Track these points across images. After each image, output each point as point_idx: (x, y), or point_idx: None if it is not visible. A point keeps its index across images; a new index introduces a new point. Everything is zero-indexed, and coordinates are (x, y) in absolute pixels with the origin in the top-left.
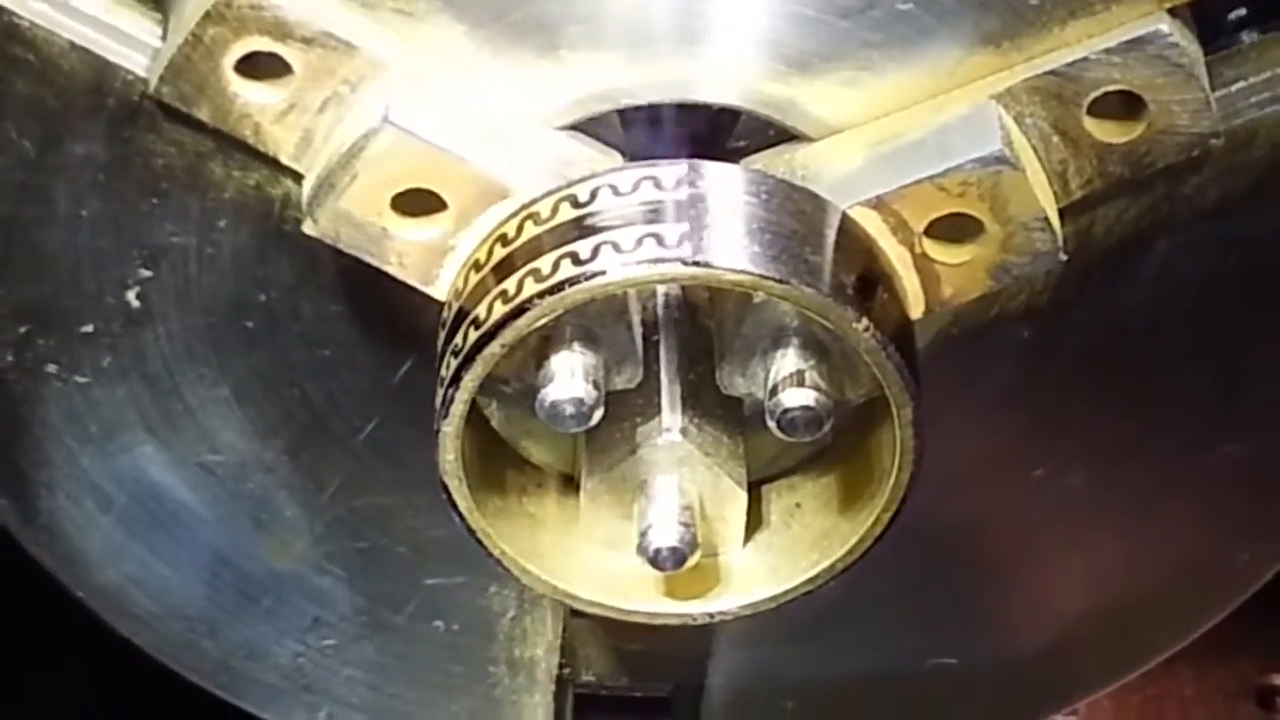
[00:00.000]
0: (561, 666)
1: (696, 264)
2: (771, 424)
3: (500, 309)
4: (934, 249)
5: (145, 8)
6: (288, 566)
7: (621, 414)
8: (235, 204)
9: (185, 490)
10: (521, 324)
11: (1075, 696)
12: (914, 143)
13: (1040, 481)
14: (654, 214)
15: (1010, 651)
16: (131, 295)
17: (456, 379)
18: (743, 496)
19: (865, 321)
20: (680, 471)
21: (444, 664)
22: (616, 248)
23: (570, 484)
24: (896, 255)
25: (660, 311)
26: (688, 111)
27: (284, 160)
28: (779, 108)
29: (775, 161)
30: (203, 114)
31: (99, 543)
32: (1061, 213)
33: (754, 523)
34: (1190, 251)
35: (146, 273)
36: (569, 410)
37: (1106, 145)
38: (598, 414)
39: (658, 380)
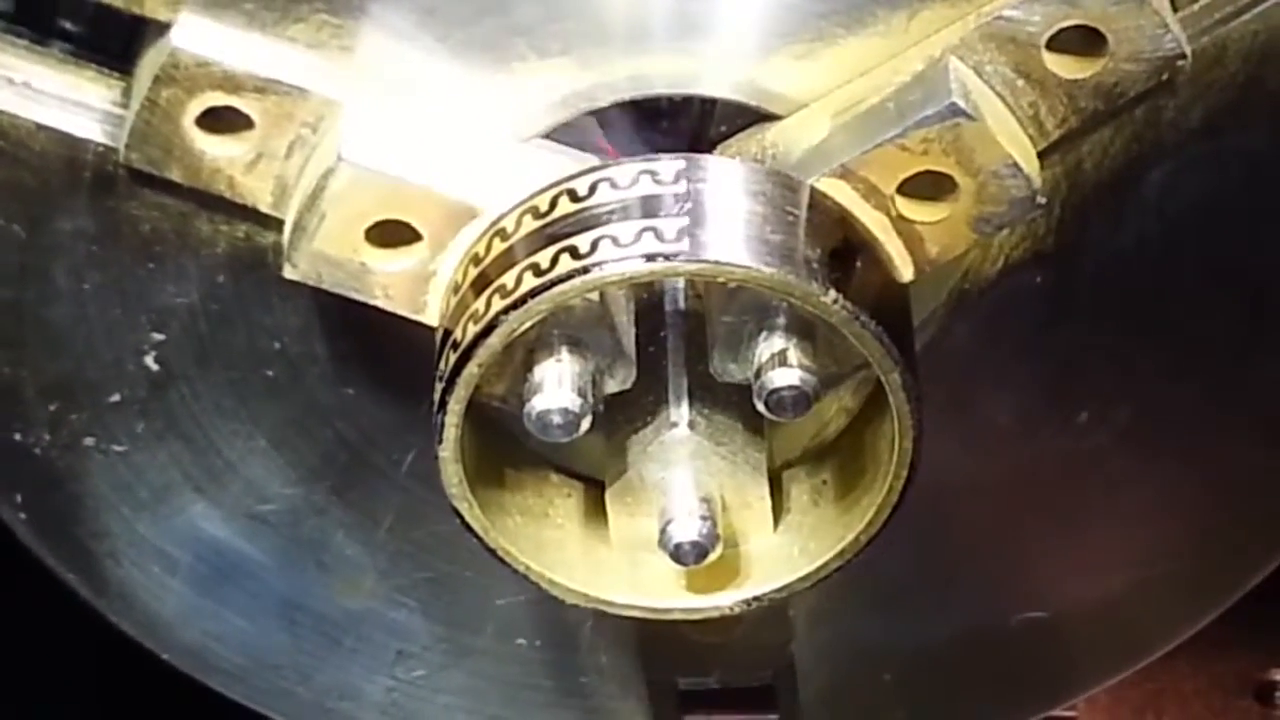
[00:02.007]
0: (652, 668)
1: (652, 258)
2: (760, 406)
3: (473, 329)
4: (910, 209)
5: (111, 78)
6: (361, 604)
7: (636, 414)
8: (229, 257)
9: (244, 542)
10: (493, 342)
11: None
12: (874, 107)
13: (1087, 424)
14: (610, 215)
15: (1095, 597)
16: (150, 360)
17: (443, 404)
18: (764, 482)
19: (833, 294)
20: (695, 464)
21: (535, 680)
22: (575, 253)
23: (600, 491)
24: (874, 221)
25: (667, 306)
26: (660, 106)
27: (264, 209)
28: (740, 89)
29: (748, 143)
30: (175, 175)
31: (173, 605)
32: (1044, 155)
33: (785, 505)
34: (1187, 175)
35: (159, 336)
36: (557, 420)
37: (1073, 81)
38: (586, 422)
39: (667, 376)
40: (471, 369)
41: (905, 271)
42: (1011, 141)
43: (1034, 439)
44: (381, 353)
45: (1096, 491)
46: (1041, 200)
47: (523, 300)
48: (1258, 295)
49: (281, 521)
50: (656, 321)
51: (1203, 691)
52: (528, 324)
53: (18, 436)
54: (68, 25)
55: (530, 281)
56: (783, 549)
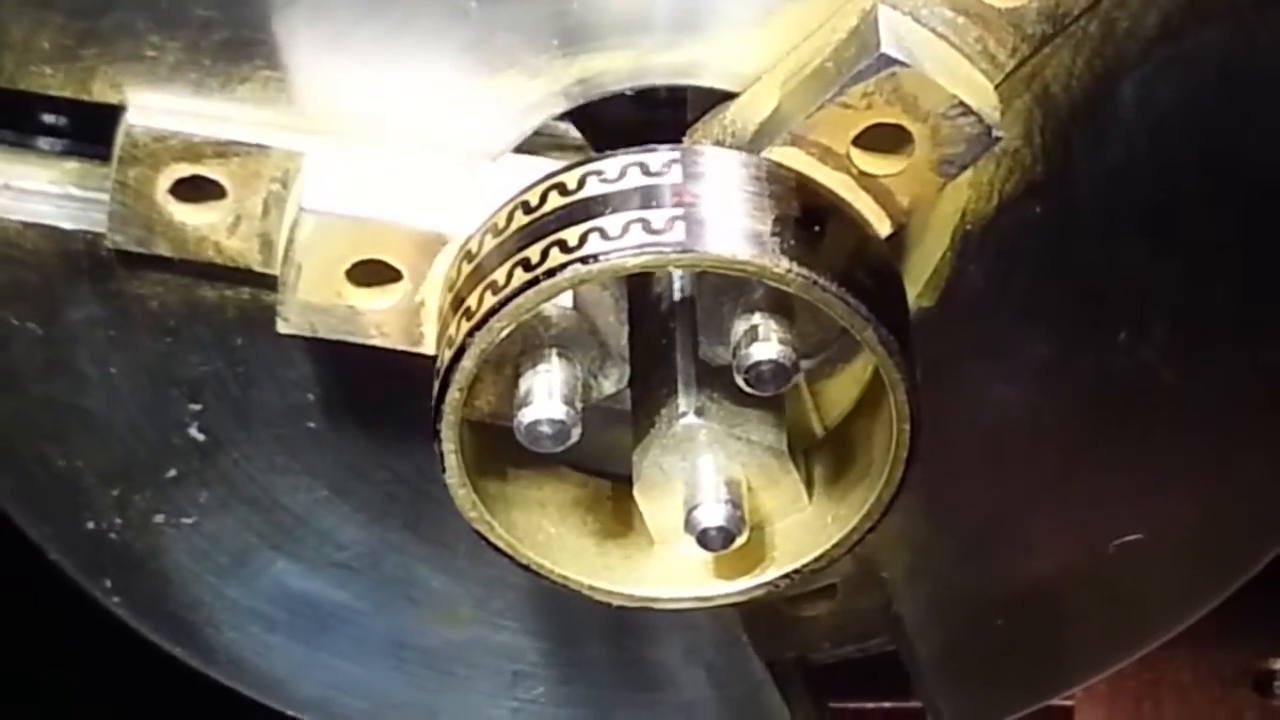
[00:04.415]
0: (761, 649)
1: (596, 259)
2: (741, 382)
3: (447, 354)
4: (871, 164)
5: (92, 165)
6: (463, 633)
7: (654, 407)
8: (240, 320)
9: (333, 591)
10: (466, 365)
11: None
12: (816, 69)
13: (1129, 343)
14: (559, 221)
15: (1181, 511)
16: (194, 431)
17: (436, 432)
18: (786, 458)
19: (785, 262)
20: (713, 450)
21: (655, 679)
22: (527, 265)
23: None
24: (837, 182)
25: (676, 296)
26: (636, 100)
27: (257, 269)
28: (687, 72)
29: (712, 125)
30: (163, 249)
31: (283, 662)
32: (1008, 86)
33: (813, 477)
34: (1159, 81)
35: (196, 406)
36: (546, 430)
37: (1014, 10)
38: (576, 431)
39: (676, 367)
40: (453, 394)
41: (881, 227)
42: (956, 81)
43: (1081, 365)
44: (405, 387)
45: (1159, 408)
46: (999, 134)
47: (484, 320)
48: (1258, 187)
49: (364, 565)
50: (665, 313)
51: (1201, 681)
52: (496, 341)
53: (90, 525)
54: (51, 120)
55: (489, 300)
56: (817, 519)
